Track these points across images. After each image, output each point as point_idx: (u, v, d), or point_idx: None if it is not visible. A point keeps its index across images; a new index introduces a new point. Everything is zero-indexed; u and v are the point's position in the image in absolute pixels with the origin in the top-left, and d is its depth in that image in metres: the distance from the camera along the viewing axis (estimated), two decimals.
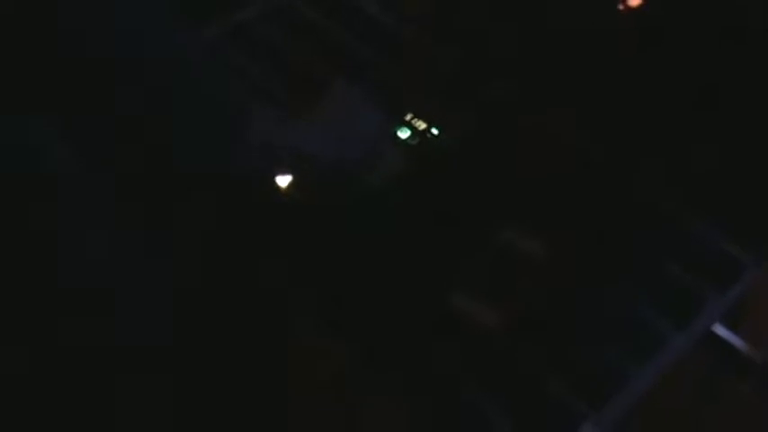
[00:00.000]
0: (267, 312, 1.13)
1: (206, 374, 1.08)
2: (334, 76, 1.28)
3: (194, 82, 0.94)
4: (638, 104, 1.29)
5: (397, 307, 1.10)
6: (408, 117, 1.28)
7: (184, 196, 0.97)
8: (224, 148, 0.98)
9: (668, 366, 1.06)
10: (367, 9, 1.45)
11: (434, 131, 1.26)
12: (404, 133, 1.27)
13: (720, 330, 1.20)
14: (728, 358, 1.21)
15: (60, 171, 0.88)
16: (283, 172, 1.18)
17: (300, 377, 1.12)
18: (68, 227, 0.91)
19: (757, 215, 1.22)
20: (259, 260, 1.15)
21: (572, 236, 1.14)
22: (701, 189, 1.21)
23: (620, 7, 1.37)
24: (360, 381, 1.09)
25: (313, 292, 1.13)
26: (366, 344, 1.08)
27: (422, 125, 1.28)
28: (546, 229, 1.14)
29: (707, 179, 1.24)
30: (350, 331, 1.09)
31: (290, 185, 1.21)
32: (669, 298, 1.10)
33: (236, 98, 1.01)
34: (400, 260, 1.14)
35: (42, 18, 0.81)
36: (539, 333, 1.08)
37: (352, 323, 1.10)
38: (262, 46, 1.39)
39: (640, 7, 1.37)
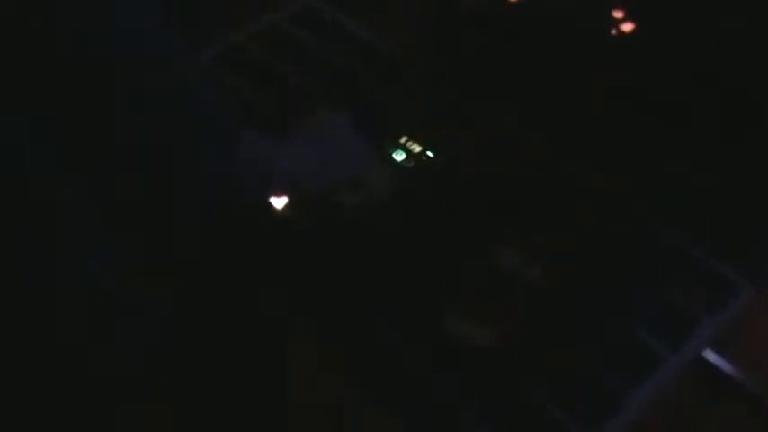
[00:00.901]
0: (266, 340, 1.14)
1: (205, 403, 1.08)
2: (323, 99, 1.29)
3: (194, 104, 0.94)
4: (636, 130, 1.31)
5: (394, 330, 1.10)
6: (403, 140, 1.29)
7: (181, 220, 0.97)
8: (220, 168, 0.98)
9: (663, 388, 1.06)
10: (361, 35, 1.46)
11: (429, 154, 1.27)
12: (399, 156, 1.28)
13: (710, 355, 1.20)
14: (719, 383, 1.21)
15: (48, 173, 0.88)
16: (276, 194, 1.18)
17: (299, 404, 1.12)
18: (64, 241, 0.91)
19: (750, 236, 1.24)
20: (257, 285, 1.15)
21: (568, 256, 1.15)
22: (694, 211, 1.22)
23: (614, 32, 1.39)
24: (358, 407, 1.09)
25: (311, 319, 1.13)
26: (364, 369, 1.08)
27: (417, 148, 1.28)
28: (542, 250, 1.14)
29: (701, 201, 1.25)
30: (347, 356, 1.10)
31: (286, 207, 1.22)
32: (664, 320, 1.10)
33: (232, 120, 1.01)
34: (395, 282, 1.15)
35: (42, 18, 0.81)
36: (535, 352, 1.08)
37: (348, 348, 1.10)
38: (250, 68, 1.40)
39: (632, 33, 1.39)
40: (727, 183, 1.28)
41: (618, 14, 1.39)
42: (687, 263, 1.17)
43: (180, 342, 1.03)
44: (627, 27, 1.39)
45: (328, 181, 1.12)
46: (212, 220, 0.99)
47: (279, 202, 1.22)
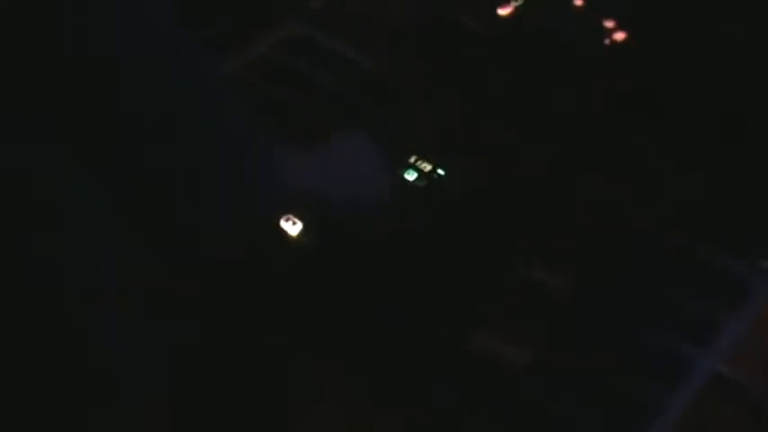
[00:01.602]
0: (269, 375, 1.14)
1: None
2: (338, 120, 1.30)
3: (199, 106, 0.94)
4: (634, 134, 1.33)
5: (417, 351, 1.12)
6: (412, 159, 1.31)
7: (181, 221, 0.97)
8: (227, 173, 0.97)
9: (696, 393, 1.08)
10: (355, 57, 1.47)
11: (441, 172, 1.29)
12: (411, 176, 1.29)
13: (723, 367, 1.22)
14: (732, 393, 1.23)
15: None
16: (291, 214, 1.18)
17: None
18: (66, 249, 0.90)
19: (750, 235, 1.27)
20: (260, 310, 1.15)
21: (591, 264, 1.17)
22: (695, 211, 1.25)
23: (607, 42, 1.42)
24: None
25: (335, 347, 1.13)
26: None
27: (427, 167, 1.30)
28: (565, 261, 1.16)
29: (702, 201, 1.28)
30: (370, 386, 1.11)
31: (301, 234, 1.22)
32: (688, 322, 1.12)
33: (243, 126, 1.00)
34: (417, 302, 1.16)
35: (42, 18, 0.81)
36: (565, 366, 1.09)
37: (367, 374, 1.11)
38: (259, 90, 1.41)
39: (626, 42, 1.42)
40: (722, 183, 1.31)
41: (609, 24, 1.43)
42: (697, 264, 1.19)
43: (179, 373, 1.04)
44: (619, 36, 1.42)
45: (348, 200, 1.13)
46: (215, 224, 0.99)
47: (293, 229, 1.22)
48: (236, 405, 1.08)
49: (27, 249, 0.88)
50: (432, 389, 1.07)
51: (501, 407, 1.06)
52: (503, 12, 1.47)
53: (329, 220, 1.20)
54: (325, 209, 1.14)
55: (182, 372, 1.03)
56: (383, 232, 1.20)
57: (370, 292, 1.16)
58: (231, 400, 1.08)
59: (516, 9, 1.47)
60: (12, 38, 0.80)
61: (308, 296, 1.16)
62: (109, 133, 0.87)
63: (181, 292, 1.03)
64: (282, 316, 1.15)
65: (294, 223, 1.21)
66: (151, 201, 0.93)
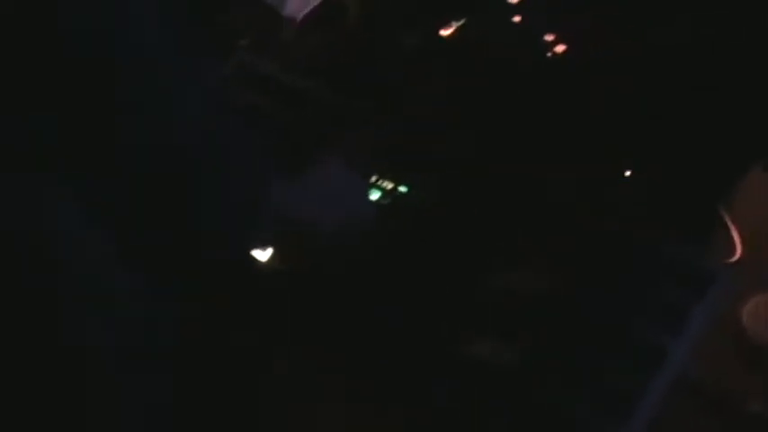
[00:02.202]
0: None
1: None
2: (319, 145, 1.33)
3: (197, 107, 0.96)
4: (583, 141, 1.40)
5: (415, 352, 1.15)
6: (373, 179, 1.34)
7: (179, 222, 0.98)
8: (221, 177, 0.99)
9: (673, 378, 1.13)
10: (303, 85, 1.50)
11: (402, 189, 1.33)
12: (375, 195, 1.32)
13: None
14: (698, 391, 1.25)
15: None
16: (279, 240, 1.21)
17: None
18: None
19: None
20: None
21: (566, 264, 1.22)
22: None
23: (549, 55, 1.48)
24: None
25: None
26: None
27: (389, 185, 1.33)
28: (542, 263, 1.21)
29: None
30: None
31: (271, 259, 1.24)
32: (662, 314, 1.18)
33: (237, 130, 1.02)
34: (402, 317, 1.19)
35: (42, 18, 0.82)
36: (550, 363, 1.14)
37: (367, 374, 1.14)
38: None
39: (566, 53, 1.48)
40: (671, 179, 1.38)
41: (550, 38, 1.49)
42: (666, 260, 1.25)
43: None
44: (560, 48, 1.48)
45: (330, 225, 1.15)
46: (208, 225, 1.00)
47: (263, 255, 1.25)
48: (236, 405, 1.10)
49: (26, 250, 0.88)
50: (431, 389, 1.10)
51: (496, 405, 1.10)
52: (444, 32, 1.52)
53: (303, 245, 1.22)
54: (315, 238, 1.16)
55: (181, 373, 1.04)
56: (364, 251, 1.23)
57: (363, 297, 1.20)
58: (230, 401, 1.09)
59: (458, 29, 1.52)
60: (12, 38, 0.81)
61: (308, 298, 1.19)
62: (108, 132, 0.88)
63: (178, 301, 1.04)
64: (282, 318, 1.17)
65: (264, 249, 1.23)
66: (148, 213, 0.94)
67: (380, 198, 1.32)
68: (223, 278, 1.06)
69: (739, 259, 1.35)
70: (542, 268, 1.21)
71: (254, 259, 1.24)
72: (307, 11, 1.64)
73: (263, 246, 1.20)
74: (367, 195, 1.23)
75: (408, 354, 1.15)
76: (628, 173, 1.39)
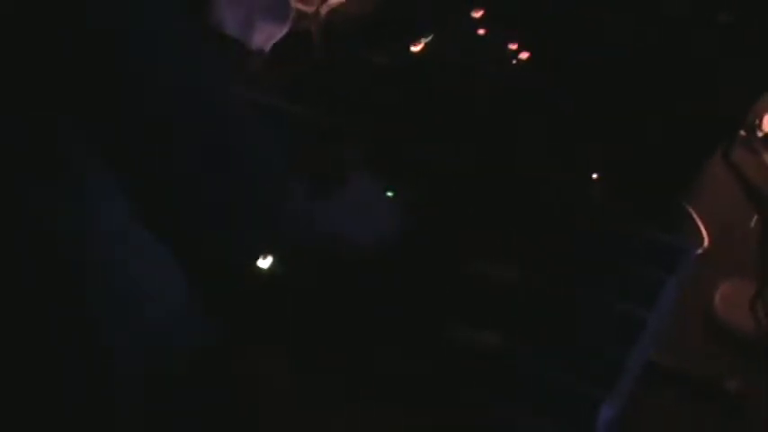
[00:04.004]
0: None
1: None
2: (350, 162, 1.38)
3: (200, 105, 0.95)
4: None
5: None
6: None
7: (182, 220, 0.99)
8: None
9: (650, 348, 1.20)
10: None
11: (389, 194, 1.38)
12: None
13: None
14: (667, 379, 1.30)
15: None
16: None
17: None
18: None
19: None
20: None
21: (539, 253, 1.29)
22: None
23: (514, 62, 1.55)
24: None
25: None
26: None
27: None
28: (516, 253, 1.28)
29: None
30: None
31: (273, 266, 1.28)
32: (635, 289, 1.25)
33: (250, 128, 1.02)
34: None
35: (42, 18, 0.82)
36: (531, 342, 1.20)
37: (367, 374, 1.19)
38: None
39: (528, 60, 1.55)
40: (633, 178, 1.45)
41: (513, 47, 1.56)
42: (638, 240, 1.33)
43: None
44: (524, 56, 1.55)
45: (361, 240, 1.19)
46: (218, 221, 1.01)
47: (264, 263, 1.29)
48: (236, 406, 1.13)
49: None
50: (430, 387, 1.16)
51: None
52: (415, 48, 1.58)
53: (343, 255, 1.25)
54: (351, 250, 1.19)
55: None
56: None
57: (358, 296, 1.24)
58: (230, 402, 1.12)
59: (426, 45, 1.59)
60: (12, 38, 0.82)
61: (308, 299, 1.23)
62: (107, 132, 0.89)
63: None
64: (282, 319, 1.21)
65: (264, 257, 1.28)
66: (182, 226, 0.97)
67: None
68: (228, 277, 1.08)
69: (708, 248, 1.42)
70: (522, 259, 1.28)
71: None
72: (274, 41, 1.69)
73: (276, 252, 1.24)
74: (395, 208, 1.27)
75: (405, 349, 1.20)
76: (594, 175, 1.45)
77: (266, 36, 1.68)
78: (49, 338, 0.93)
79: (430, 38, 1.60)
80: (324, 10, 1.70)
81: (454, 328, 1.20)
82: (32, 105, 0.85)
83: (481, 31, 1.59)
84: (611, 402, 1.13)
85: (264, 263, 1.28)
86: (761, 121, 1.59)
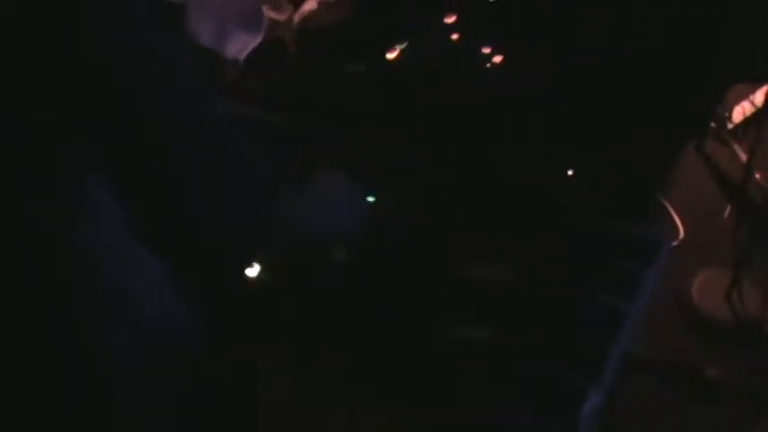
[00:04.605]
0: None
1: None
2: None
3: (195, 106, 0.96)
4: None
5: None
6: None
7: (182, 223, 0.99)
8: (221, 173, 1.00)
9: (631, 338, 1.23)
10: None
11: (370, 199, 1.40)
12: None
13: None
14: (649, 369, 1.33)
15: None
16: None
17: None
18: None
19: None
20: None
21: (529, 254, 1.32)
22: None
23: (488, 66, 1.58)
24: None
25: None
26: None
27: None
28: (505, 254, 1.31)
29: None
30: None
31: (261, 274, 1.30)
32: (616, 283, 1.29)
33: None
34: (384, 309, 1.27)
35: (42, 18, 0.82)
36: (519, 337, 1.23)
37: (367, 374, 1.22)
38: None
39: (503, 64, 1.58)
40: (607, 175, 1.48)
41: (487, 50, 1.59)
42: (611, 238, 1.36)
43: None
44: (497, 59, 1.58)
45: (325, 235, 1.22)
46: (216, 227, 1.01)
47: (252, 271, 1.30)
48: (237, 407, 1.15)
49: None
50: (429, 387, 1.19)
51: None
52: (390, 55, 1.61)
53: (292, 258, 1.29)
54: (320, 241, 1.23)
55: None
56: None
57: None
58: (232, 404, 1.14)
59: (401, 51, 1.61)
60: (12, 38, 0.82)
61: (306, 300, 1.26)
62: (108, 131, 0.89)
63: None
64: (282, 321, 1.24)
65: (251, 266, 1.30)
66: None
67: None
68: (224, 282, 1.10)
69: (683, 240, 1.46)
70: (503, 257, 1.31)
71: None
72: (248, 51, 1.71)
73: (269, 255, 1.26)
74: (362, 204, 1.31)
75: (403, 350, 1.23)
76: (570, 172, 1.48)
77: (240, 46, 1.69)
78: (49, 338, 0.94)
79: (405, 44, 1.62)
80: (296, 18, 1.72)
81: (444, 325, 1.23)
82: (32, 105, 0.85)
83: (455, 36, 1.62)
84: (596, 392, 1.16)
85: (252, 271, 1.30)
86: (730, 112, 1.62)
